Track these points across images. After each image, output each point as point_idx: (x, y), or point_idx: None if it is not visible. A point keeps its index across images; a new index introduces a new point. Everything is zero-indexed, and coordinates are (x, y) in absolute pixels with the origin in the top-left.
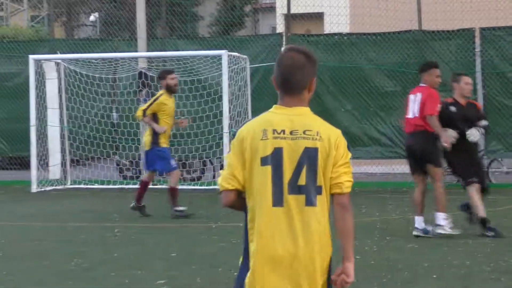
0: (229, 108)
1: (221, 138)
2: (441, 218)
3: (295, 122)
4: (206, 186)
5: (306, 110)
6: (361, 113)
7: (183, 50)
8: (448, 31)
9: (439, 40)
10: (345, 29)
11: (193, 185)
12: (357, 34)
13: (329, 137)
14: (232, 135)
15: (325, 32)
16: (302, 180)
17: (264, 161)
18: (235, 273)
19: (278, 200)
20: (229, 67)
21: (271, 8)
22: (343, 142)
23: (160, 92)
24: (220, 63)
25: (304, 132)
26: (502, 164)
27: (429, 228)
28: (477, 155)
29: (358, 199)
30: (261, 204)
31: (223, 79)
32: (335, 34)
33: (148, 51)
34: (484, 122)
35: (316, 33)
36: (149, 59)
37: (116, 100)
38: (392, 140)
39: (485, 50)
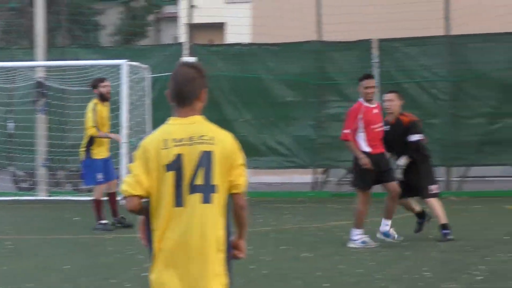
0: (128, 118)
1: (120, 148)
2: (355, 234)
3: (191, 130)
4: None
5: (199, 118)
6: (260, 123)
7: (83, 59)
8: (347, 42)
9: (338, 51)
10: (246, 39)
11: (85, 196)
12: (258, 45)
13: (223, 141)
14: (131, 145)
15: (227, 42)
16: (199, 180)
17: (167, 167)
18: (128, 285)
19: (179, 201)
20: (129, 77)
21: (174, 18)
22: (236, 146)
23: (94, 101)
24: (120, 73)
25: (200, 138)
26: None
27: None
28: (428, 164)
29: (255, 209)
30: (165, 206)
31: (122, 89)
32: (236, 44)
33: (47, 60)
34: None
35: (218, 43)
36: (48, 68)
37: (13, 110)
38: (291, 150)
39: (383, 61)
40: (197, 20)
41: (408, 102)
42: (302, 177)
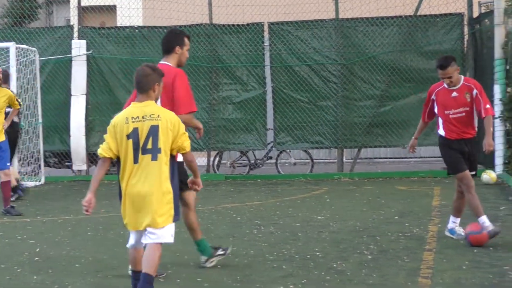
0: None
1: None
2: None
3: (144, 111)
4: None
5: (151, 103)
6: None
7: None
8: (238, 25)
9: (230, 34)
10: (137, 22)
11: None
12: (149, 27)
13: (166, 118)
14: (21, 129)
15: (117, 25)
16: (149, 145)
17: (128, 137)
18: (19, 270)
19: (136, 160)
20: (17, 60)
21: (67, 0)
22: (177, 120)
23: None
24: (8, 56)
25: (150, 116)
26: (290, 155)
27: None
28: None
29: None
30: (128, 164)
31: (11, 72)
32: (126, 27)
33: None
34: None
35: (108, 26)
36: None
37: None
38: None
39: (274, 44)
40: (87, 2)
41: (300, 85)
42: (197, 159)
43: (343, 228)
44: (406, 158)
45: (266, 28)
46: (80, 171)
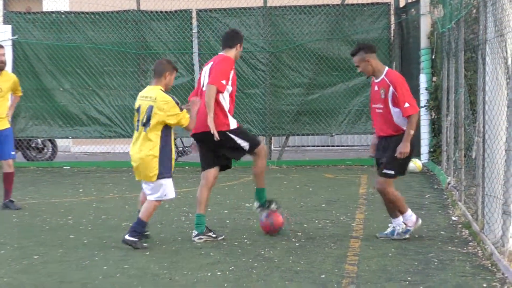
0: None
1: None
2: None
3: (149, 93)
4: None
5: (157, 88)
6: (79, 92)
7: None
8: (166, 12)
9: (158, 20)
10: (64, 7)
11: None
12: (76, 13)
13: (159, 100)
14: None
15: (44, 10)
16: (144, 120)
17: (135, 110)
18: None
19: (137, 128)
20: None
21: None
22: (168, 104)
23: None
24: None
25: (150, 97)
26: None
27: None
28: None
29: (77, 179)
30: (134, 131)
31: None
32: (53, 12)
33: None
34: None
35: (34, 11)
36: None
37: None
38: (111, 120)
39: (202, 31)
40: None
41: None
42: (122, 146)
43: None
44: (333, 146)
45: (194, 15)
46: None
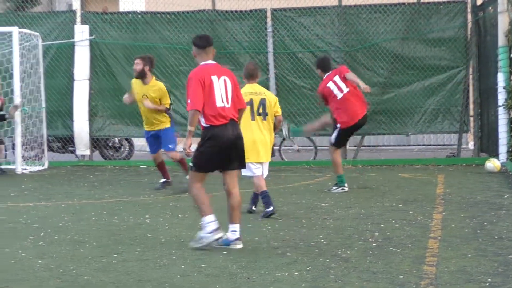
0: (21, 86)
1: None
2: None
3: (255, 88)
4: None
5: (257, 85)
6: None
7: None
8: (241, 11)
9: (233, 20)
10: (140, 7)
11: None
12: (152, 13)
13: (268, 94)
14: (24, 113)
15: (120, 10)
16: (261, 110)
17: (247, 104)
18: (23, 254)
19: (252, 118)
20: (20, 44)
21: None
22: (275, 98)
23: None
24: (11, 40)
25: (258, 93)
26: (294, 142)
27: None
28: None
29: (153, 177)
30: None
31: (14, 57)
32: (129, 12)
33: None
34: None
35: (111, 11)
36: None
37: None
38: (187, 119)
39: (277, 30)
40: None
41: (303, 72)
42: None
43: (347, 215)
44: (409, 146)
45: (269, 14)
46: (83, 156)
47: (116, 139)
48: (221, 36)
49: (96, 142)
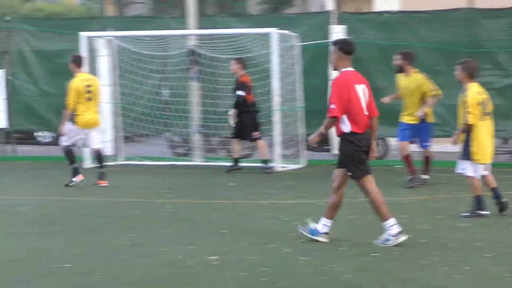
0: (279, 86)
1: (271, 116)
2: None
3: (481, 89)
4: (249, 163)
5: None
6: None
7: (233, 28)
8: (499, 9)
9: (490, 18)
10: (395, 7)
11: (244, 162)
12: (408, 12)
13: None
14: (283, 113)
15: (375, 10)
16: (487, 110)
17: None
18: (288, 250)
19: (482, 119)
20: (278, 45)
21: None
22: None
23: None
24: (269, 41)
25: (484, 92)
26: None
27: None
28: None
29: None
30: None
31: (273, 57)
32: (385, 12)
33: (198, 28)
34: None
35: (366, 11)
36: (200, 37)
37: (167, 78)
38: (443, 119)
39: None
40: None
41: None
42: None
43: None
44: None
45: None
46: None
47: None
48: (477, 34)
49: None
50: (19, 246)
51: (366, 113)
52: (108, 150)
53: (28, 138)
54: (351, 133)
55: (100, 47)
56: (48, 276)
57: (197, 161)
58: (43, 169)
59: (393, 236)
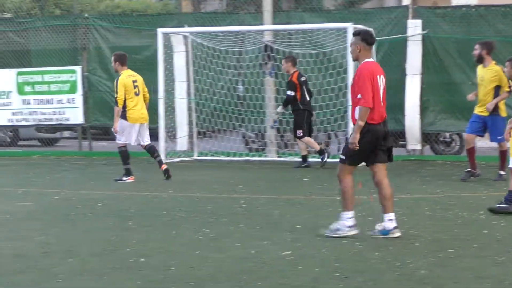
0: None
1: (346, 111)
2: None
3: None
4: (331, 158)
5: None
6: None
7: (308, 23)
8: None
9: None
10: (472, 0)
11: (317, 158)
12: (485, 6)
13: None
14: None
15: (452, 4)
16: None
17: None
18: (361, 246)
19: None
20: None
21: None
22: None
23: None
24: (345, 36)
25: None
26: None
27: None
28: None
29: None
30: None
31: (348, 52)
32: (462, 6)
33: (273, 24)
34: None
35: (443, 5)
36: (275, 32)
37: (242, 73)
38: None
39: None
40: None
41: None
42: None
43: None
44: None
45: None
46: (414, 150)
47: (447, 134)
48: None
49: (427, 137)
50: (97, 240)
51: (382, 104)
52: (183, 145)
53: (104, 134)
54: (366, 123)
55: (176, 43)
56: (125, 270)
57: (271, 157)
58: (118, 165)
59: (347, 227)
